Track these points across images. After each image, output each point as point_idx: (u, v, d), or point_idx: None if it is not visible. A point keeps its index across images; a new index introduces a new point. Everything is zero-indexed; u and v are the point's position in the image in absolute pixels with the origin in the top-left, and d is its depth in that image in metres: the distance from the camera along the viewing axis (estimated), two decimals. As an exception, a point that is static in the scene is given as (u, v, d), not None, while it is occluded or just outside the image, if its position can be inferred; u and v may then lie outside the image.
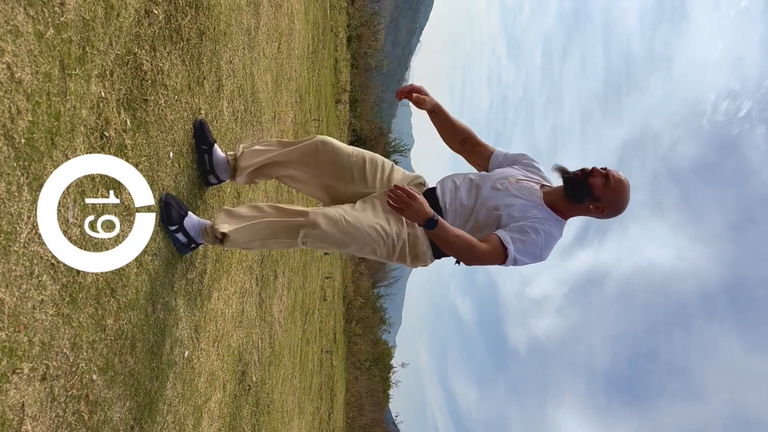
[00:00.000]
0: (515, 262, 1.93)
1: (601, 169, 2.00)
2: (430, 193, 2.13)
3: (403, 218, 2.01)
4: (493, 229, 2.00)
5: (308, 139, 2.17)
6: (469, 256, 1.90)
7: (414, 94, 2.14)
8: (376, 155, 2.24)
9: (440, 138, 2.27)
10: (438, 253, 2.09)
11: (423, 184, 2.20)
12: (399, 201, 1.80)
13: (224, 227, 1.99)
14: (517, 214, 2.00)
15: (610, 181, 1.98)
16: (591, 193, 1.99)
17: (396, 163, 2.34)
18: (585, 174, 2.01)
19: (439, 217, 1.84)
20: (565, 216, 2.08)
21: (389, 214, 2.04)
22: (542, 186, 2.14)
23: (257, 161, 2.18)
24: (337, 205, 2.08)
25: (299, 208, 2.03)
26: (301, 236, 1.94)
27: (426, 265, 2.15)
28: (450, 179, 2.17)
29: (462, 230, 1.93)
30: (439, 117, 2.22)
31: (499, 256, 1.90)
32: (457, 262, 2.10)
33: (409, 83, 2.17)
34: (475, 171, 2.31)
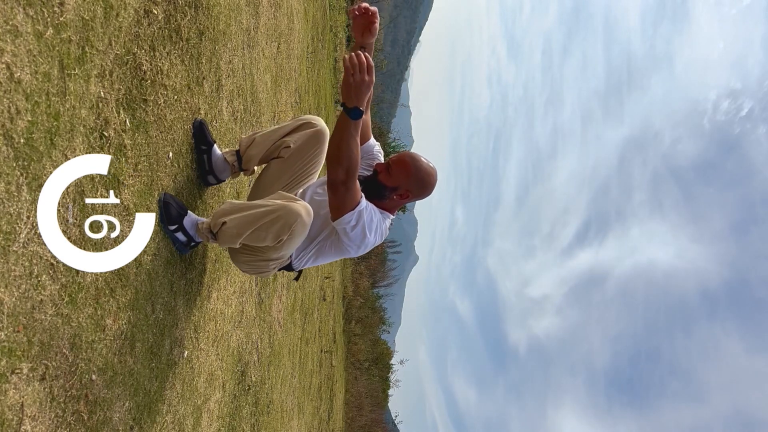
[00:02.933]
0: (358, 219, 1.90)
1: (385, 161, 2.07)
2: None
3: None
4: (330, 228, 2.04)
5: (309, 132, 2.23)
6: (349, 168, 1.79)
7: (372, 20, 1.92)
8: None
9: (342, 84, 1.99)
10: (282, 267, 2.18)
11: None
12: (357, 67, 1.66)
13: (223, 218, 1.99)
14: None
15: (392, 168, 2.03)
16: (385, 187, 2.04)
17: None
18: (374, 173, 2.08)
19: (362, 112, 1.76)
20: (390, 211, 2.13)
21: None
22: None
23: (269, 144, 2.21)
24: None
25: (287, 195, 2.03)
26: (290, 231, 1.91)
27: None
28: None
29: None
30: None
31: (354, 200, 1.87)
32: (296, 278, 2.24)
33: (370, 6, 1.93)
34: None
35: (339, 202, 1.87)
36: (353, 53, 1.68)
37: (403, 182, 2.04)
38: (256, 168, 2.39)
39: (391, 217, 2.15)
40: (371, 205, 2.00)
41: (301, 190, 2.26)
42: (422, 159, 2.05)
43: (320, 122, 2.26)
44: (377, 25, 1.93)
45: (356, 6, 1.91)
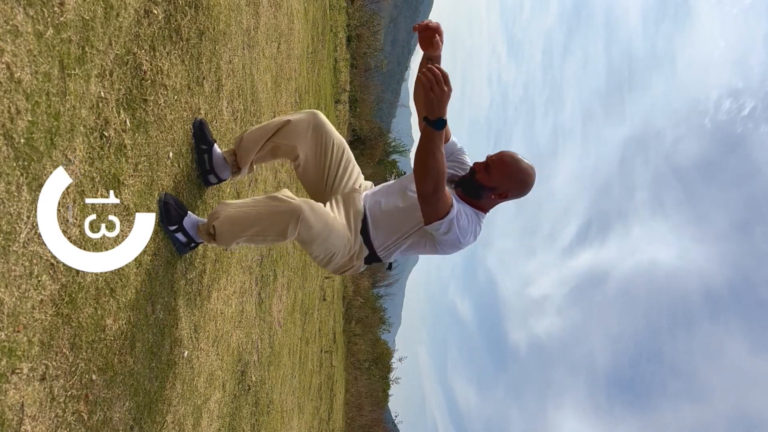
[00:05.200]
0: (449, 226, 1.93)
1: (483, 160, 2.07)
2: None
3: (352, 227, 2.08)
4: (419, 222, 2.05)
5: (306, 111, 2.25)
6: (437, 180, 1.83)
7: (434, 33, 1.97)
8: (352, 157, 2.31)
9: (413, 94, 2.08)
10: (368, 260, 2.18)
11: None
12: (433, 80, 1.71)
13: (219, 219, 1.98)
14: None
15: (492, 168, 2.03)
16: (483, 187, 2.05)
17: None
18: (472, 172, 2.08)
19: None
20: (483, 210, 2.14)
21: (346, 222, 2.10)
22: (450, 181, 2.19)
23: (260, 135, 2.20)
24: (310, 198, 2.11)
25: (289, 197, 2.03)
26: (290, 231, 1.91)
27: (352, 274, 2.21)
28: (371, 198, 2.22)
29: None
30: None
31: (445, 209, 1.90)
32: (389, 267, 2.20)
33: (431, 21, 1.98)
34: (391, 182, 2.33)
35: (430, 211, 1.91)
36: (427, 67, 1.74)
37: (502, 182, 2.04)
38: (255, 166, 2.39)
39: (485, 215, 2.15)
40: (464, 209, 2.01)
41: (376, 189, 2.26)
42: (522, 159, 2.05)
43: (313, 114, 2.24)
44: (440, 38, 1.98)
45: (418, 23, 1.97)
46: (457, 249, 2.09)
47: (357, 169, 2.34)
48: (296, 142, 2.21)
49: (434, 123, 1.76)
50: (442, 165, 1.82)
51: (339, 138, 2.28)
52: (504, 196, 2.09)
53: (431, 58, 2.03)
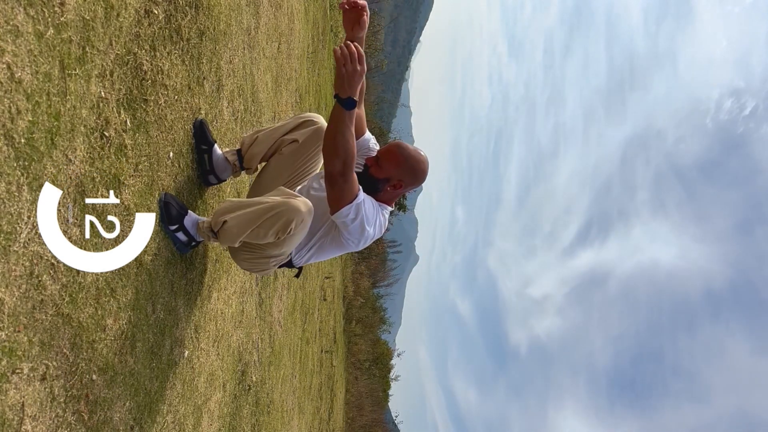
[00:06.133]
0: (357, 212, 1.91)
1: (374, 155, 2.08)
2: None
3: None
4: (330, 223, 2.06)
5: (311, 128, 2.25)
6: (345, 160, 1.80)
7: (362, 13, 1.91)
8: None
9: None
10: (282, 264, 2.19)
11: None
12: (348, 57, 1.68)
13: (223, 217, 1.99)
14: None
15: (381, 159, 2.04)
16: (377, 180, 2.05)
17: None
18: (365, 168, 2.08)
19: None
20: (388, 203, 2.14)
21: None
22: None
23: (271, 142, 2.23)
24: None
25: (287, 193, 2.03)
26: (290, 229, 1.91)
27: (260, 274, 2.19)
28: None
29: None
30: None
31: (352, 193, 1.88)
32: (297, 275, 2.24)
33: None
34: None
35: (337, 195, 1.86)
36: (343, 44, 1.69)
37: (393, 172, 2.04)
38: (258, 166, 2.39)
39: (389, 209, 2.15)
40: (369, 198, 2.00)
41: (299, 187, 2.26)
42: (409, 147, 2.05)
43: (320, 119, 2.26)
44: (366, 18, 1.92)
45: (345, 0, 1.90)
46: (363, 240, 2.04)
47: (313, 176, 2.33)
48: (299, 137, 2.23)
49: (344, 102, 1.72)
50: (351, 146, 1.78)
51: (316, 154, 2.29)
52: (399, 186, 2.07)
53: (354, 39, 1.94)
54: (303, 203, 1.90)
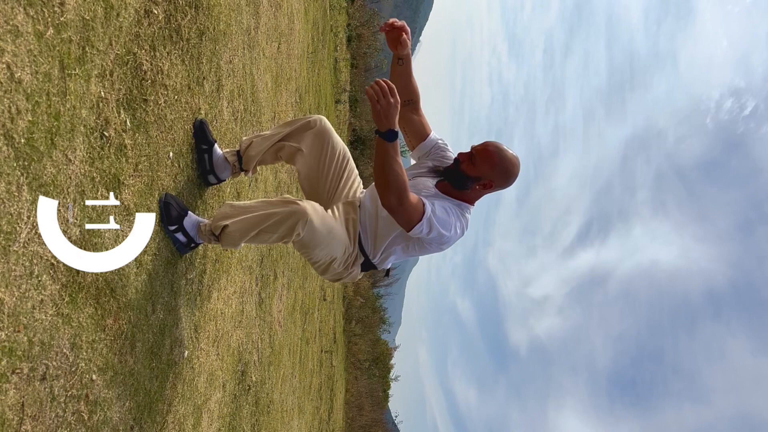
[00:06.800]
0: (430, 225, 1.93)
1: (468, 151, 2.06)
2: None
3: (350, 233, 2.10)
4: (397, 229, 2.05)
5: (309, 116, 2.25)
6: (399, 192, 1.84)
7: (401, 32, 2.02)
8: (354, 165, 2.31)
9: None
10: (365, 267, 2.18)
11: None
12: (380, 93, 1.74)
13: (224, 221, 1.99)
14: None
15: (476, 158, 2.03)
16: (468, 177, 2.05)
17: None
18: (456, 163, 2.08)
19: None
20: (469, 201, 2.14)
21: (345, 229, 2.10)
22: (431, 173, 2.20)
23: (268, 145, 2.22)
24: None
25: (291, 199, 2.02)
26: (297, 232, 1.91)
27: (350, 281, 2.21)
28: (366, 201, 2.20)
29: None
30: (403, 68, 2.13)
31: (418, 212, 1.90)
32: (386, 274, 2.25)
33: (396, 21, 2.03)
34: None
35: (404, 220, 1.91)
36: (375, 81, 1.76)
37: (487, 172, 2.03)
38: (258, 168, 2.40)
39: (471, 207, 2.14)
40: (441, 204, 2.01)
41: (359, 191, 2.28)
42: (506, 148, 2.05)
43: (317, 120, 2.24)
44: (406, 37, 2.03)
45: (384, 23, 2.02)
46: (447, 243, 2.07)
47: (358, 178, 2.34)
48: (301, 145, 2.22)
49: (385, 135, 1.78)
50: (401, 176, 1.83)
51: (342, 146, 2.29)
52: (489, 186, 2.08)
53: (401, 57, 2.07)
54: (309, 205, 1.91)
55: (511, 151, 2.06)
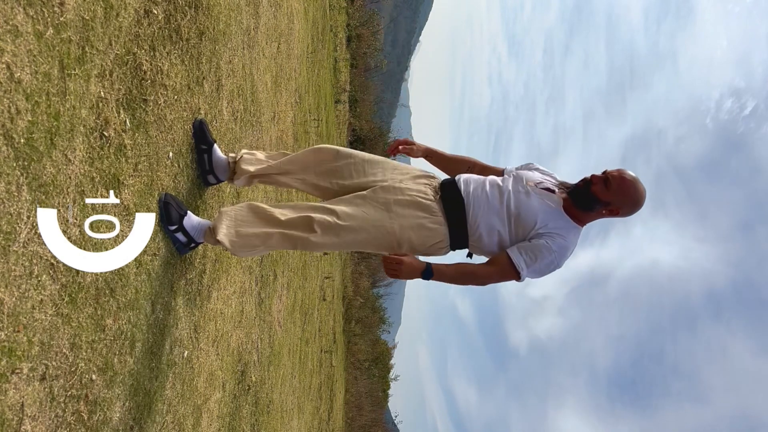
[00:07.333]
0: (533, 275, 2.05)
1: (601, 174, 2.03)
2: (451, 185, 2.12)
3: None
4: (529, 231, 2.05)
5: (307, 149, 2.23)
6: (477, 282, 2.04)
7: (401, 147, 2.27)
8: (375, 156, 2.25)
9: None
10: (456, 245, 2.14)
11: (432, 177, 2.20)
12: (390, 268, 1.96)
13: (223, 234, 1.97)
14: (539, 223, 2.03)
15: (611, 184, 2.00)
16: (598, 200, 2.02)
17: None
18: (586, 183, 2.04)
19: (432, 263, 2.01)
20: (582, 222, 2.11)
21: (392, 206, 2.04)
22: (560, 187, 2.15)
23: (257, 169, 2.20)
24: (337, 200, 2.08)
25: (302, 213, 2.00)
26: (298, 249, 1.96)
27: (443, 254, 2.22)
28: (471, 178, 2.15)
29: (460, 261, 2.08)
30: (435, 158, 2.32)
31: (510, 275, 2.02)
32: (469, 255, 2.21)
33: (397, 139, 2.32)
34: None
35: (509, 279, 2.04)
36: (383, 263, 1.99)
37: (619, 200, 2.01)
38: (255, 181, 2.36)
39: (579, 229, 2.11)
40: (555, 243, 2.00)
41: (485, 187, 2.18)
42: (640, 180, 2.04)
43: (323, 150, 2.20)
44: (412, 147, 2.28)
45: (390, 149, 2.28)
46: (555, 269, 2.08)
47: (388, 164, 2.21)
48: (300, 177, 2.20)
49: (424, 277, 2.00)
50: (466, 275, 2.04)
51: (347, 152, 2.19)
52: (615, 213, 2.05)
53: (426, 155, 2.32)
54: (319, 239, 1.96)
55: (642, 184, 2.04)
